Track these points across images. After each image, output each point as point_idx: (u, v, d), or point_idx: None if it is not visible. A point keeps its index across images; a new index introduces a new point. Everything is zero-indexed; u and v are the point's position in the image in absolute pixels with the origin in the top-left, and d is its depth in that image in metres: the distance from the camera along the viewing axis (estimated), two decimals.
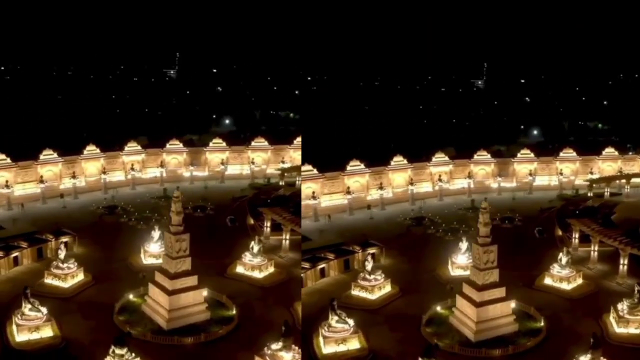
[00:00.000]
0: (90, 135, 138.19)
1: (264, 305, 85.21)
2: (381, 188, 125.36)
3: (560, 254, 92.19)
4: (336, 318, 76.41)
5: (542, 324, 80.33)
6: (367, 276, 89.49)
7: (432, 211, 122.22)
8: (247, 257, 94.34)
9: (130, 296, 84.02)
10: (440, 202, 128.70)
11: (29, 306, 75.93)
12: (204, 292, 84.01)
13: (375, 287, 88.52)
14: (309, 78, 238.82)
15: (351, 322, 77.26)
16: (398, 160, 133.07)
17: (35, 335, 74.55)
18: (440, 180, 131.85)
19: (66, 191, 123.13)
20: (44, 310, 76.79)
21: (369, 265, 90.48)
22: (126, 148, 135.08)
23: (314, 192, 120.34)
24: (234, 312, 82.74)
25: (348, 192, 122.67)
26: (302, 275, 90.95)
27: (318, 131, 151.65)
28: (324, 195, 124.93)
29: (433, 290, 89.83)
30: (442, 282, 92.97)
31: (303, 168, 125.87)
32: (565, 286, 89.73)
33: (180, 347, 75.45)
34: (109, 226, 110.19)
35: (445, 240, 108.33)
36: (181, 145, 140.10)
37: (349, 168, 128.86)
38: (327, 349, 75.06)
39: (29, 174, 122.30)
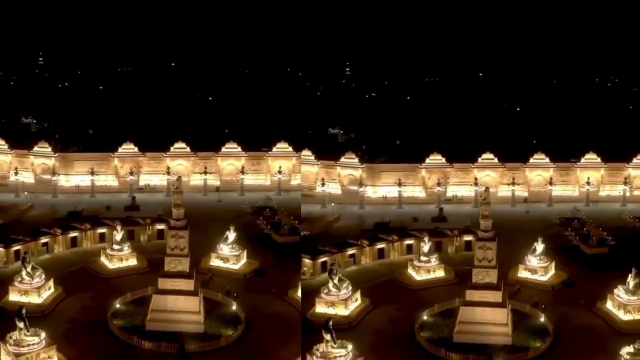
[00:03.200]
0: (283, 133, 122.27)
1: (281, 336, 65.18)
2: (551, 183, 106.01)
3: (629, 277, 68.39)
4: (332, 284, 70.97)
5: (541, 345, 62.54)
6: (421, 258, 79.95)
7: (598, 216, 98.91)
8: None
9: None
10: (622, 207, 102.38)
11: (25, 272, 71.07)
12: (236, 304, 68.45)
13: (422, 270, 78.71)
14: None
15: (347, 290, 70.87)
16: (591, 157, 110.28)
17: (23, 299, 69.55)
18: (626, 183, 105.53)
19: (245, 187, 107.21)
20: (40, 278, 71.07)
21: (426, 248, 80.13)
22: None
23: (476, 179, 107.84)
24: (235, 334, 65.56)
25: (513, 184, 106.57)
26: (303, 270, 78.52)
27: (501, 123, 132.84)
28: (502, 186, 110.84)
29: None
30: (507, 281, 76.13)
31: (484, 156, 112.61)
32: (622, 315, 66.93)
33: (133, 349, 63.01)
34: (237, 225, 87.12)
35: (571, 244, 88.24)
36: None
37: (532, 161, 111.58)
38: (318, 308, 70.53)
39: (208, 165, 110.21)
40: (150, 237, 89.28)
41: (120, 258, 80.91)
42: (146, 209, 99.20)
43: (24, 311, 61.01)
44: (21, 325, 59.97)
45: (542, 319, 66.89)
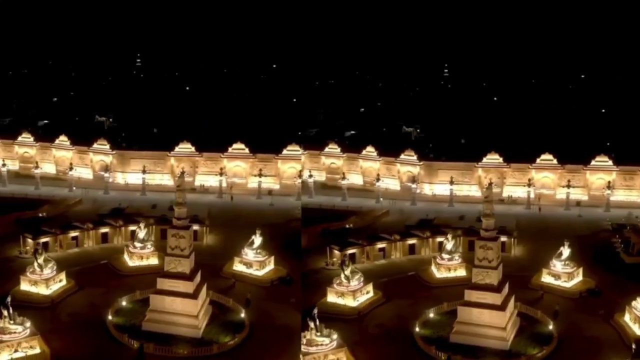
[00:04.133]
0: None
1: (282, 347, 59.32)
2: (608, 187, 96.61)
3: None
4: (343, 275, 69.24)
5: (536, 353, 57.34)
6: (443, 255, 76.13)
7: None
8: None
9: None
10: None
11: (36, 263, 70.15)
12: (245, 311, 62.95)
13: (443, 267, 75.29)
14: None
15: (358, 281, 69.03)
16: None
17: (33, 289, 68.63)
18: None
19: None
20: (50, 270, 69.71)
21: (449, 245, 76.22)
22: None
23: (529, 180, 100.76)
24: (232, 341, 60.47)
25: (568, 186, 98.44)
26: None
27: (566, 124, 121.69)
28: (559, 188, 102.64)
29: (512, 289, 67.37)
30: (530, 285, 71.97)
31: (542, 156, 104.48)
32: (636, 329, 59.59)
33: (122, 347, 59.39)
34: (281, 231, 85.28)
35: (614, 251, 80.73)
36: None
37: (593, 163, 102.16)
38: (329, 297, 69.13)
39: (267, 167, 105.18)
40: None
41: (140, 256, 77.48)
42: (192, 209, 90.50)
43: (8, 299, 60.28)
44: (5, 313, 59.18)
45: (551, 327, 61.46)
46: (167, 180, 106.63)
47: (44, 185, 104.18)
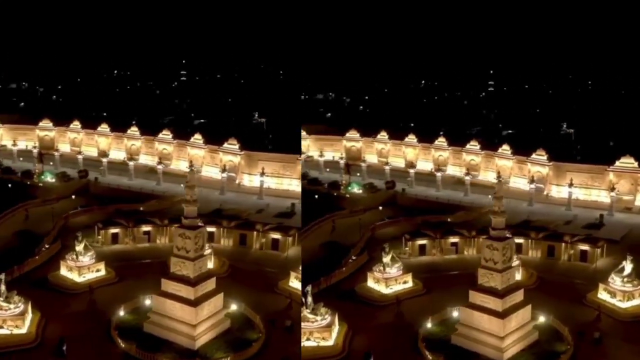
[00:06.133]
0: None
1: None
2: None
3: None
4: (383, 262, 65.00)
5: None
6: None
7: None
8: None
9: None
10: None
11: (76, 250, 65.52)
12: (263, 333, 52.70)
13: None
14: None
15: (397, 270, 64.66)
16: None
17: (68, 275, 64.71)
18: None
19: None
20: (88, 259, 64.90)
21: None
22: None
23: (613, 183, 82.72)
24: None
25: None
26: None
27: None
28: None
29: (566, 300, 58.69)
30: (585, 301, 59.68)
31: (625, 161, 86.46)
32: None
33: (110, 345, 53.00)
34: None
35: None
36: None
37: None
38: (368, 282, 65.61)
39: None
40: (263, 245, 74.50)
41: None
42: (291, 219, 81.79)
43: (2, 276, 56.74)
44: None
45: (568, 347, 50.72)
46: (295, 186, 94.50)
47: (170, 182, 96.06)
